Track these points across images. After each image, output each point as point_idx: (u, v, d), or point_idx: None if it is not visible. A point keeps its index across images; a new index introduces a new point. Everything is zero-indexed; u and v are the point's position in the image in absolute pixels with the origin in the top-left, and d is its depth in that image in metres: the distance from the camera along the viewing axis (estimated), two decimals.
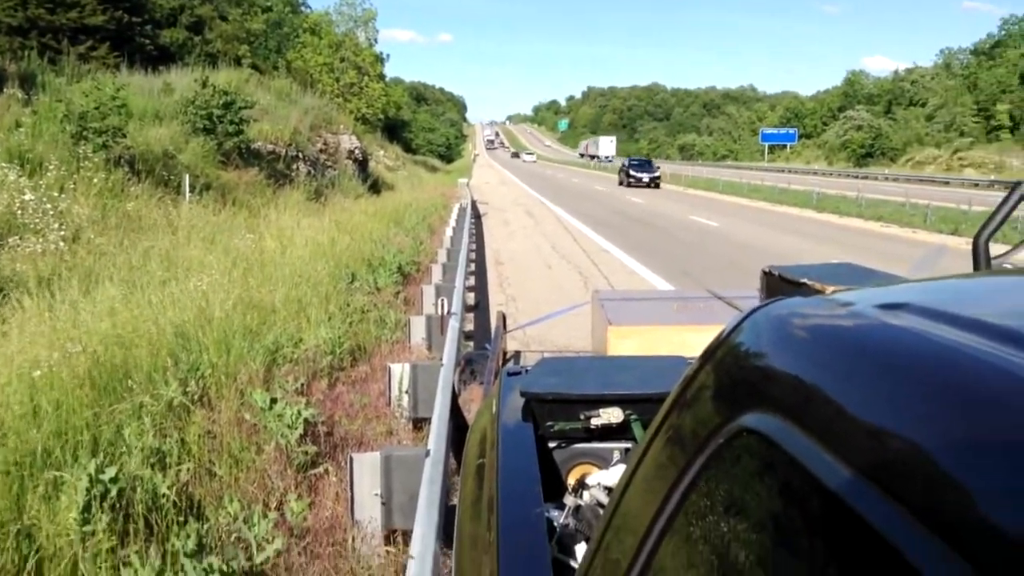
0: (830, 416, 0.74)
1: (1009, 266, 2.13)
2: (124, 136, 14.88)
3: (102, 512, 3.65)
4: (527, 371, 3.28)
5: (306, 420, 4.87)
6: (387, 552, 3.89)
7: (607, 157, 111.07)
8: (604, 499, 2.16)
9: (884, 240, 20.74)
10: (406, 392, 5.67)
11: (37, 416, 4.28)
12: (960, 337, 0.70)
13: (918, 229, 23.12)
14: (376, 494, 4.03)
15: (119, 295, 6.69)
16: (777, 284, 3.18)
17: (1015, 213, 2.12)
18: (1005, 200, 2.10)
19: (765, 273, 3.30)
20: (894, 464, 0.63)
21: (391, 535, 4.00)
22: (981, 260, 2.10)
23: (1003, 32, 79.12)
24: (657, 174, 49.19)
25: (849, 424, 0.71)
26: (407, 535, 3.96)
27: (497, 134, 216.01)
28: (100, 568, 3.44)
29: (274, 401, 5.02)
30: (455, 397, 5.17)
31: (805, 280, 3.00)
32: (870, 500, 0.61)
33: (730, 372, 1.03)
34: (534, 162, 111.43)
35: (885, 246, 19.23)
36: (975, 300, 0.91)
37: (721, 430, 0.91)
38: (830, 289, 2.91)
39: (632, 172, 49.14)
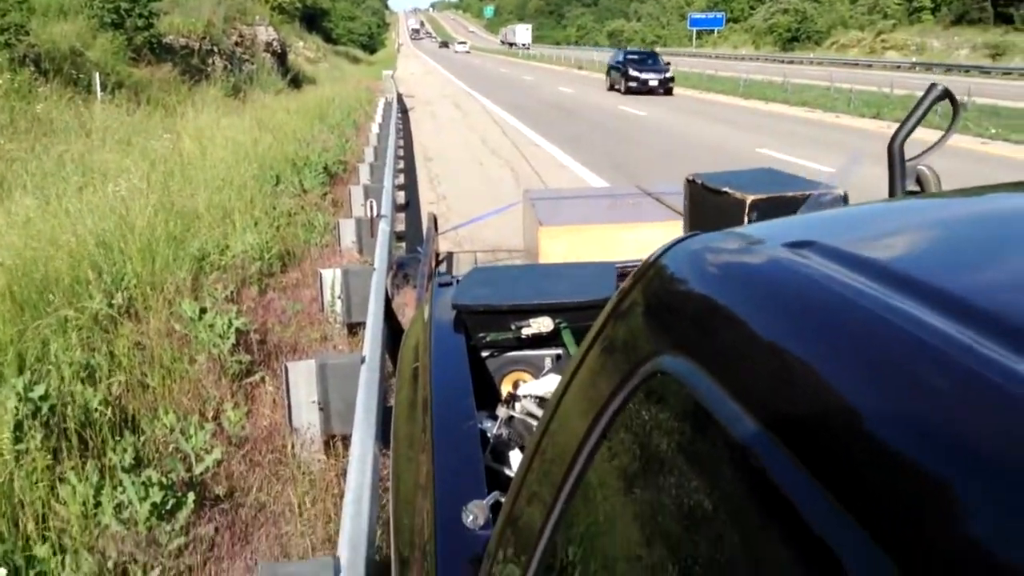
0: (734, 362, 0.75)
1: (923, 168, 2.18)
2: (27, 33, 14.08)
3: (34, 431, 3.62)
4: (458, 281, 3.31)
5: (238, 329, 4.84)
6: (327, 458, 3.95)
7: (524, 44, 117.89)
8: (535, 409, 2.21)
9: (809, 126, 20.99)
10: (339, 297, 5.65)
11: None
12: (861, 283, 0.71)
13: (841, 114, 23.43)
14: (313, 401, 4.06)
15: (34, 205, 6.46)
16: (700, 192, 3.22)
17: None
18: (919, 103, 2.14)
19: (688, 181, 3.33)
20: (791, 417, 0.65)
21: (330, 440, 4.05)
22: (896, 164, 2.14)
23: None
24: (670, 74, 33.52)
25: (751, 372, 0.72)
26: (346, 439, 4.02)
27: (422, 23, 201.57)
28: (37, 486, 3.44)
29: (204, 311, 4.97)
30: (388, 301, 5.18)
31: (726, 189, 3.04)
32: (770, 452, 0.63)
33: (649, 308, 1.03)
34: (467, 52, 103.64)
35: (810, 131, 19.49)
36: (881, 238, 0.92)
37: (637, 370, 0.92)
38: (750, 198, 2.95)
39: (633, 72, 32.96)
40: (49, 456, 3.56)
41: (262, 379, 4.69)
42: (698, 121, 22.13)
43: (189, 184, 8.00)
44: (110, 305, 5.00)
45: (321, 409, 4.07)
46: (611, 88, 34.88)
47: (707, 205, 3.12)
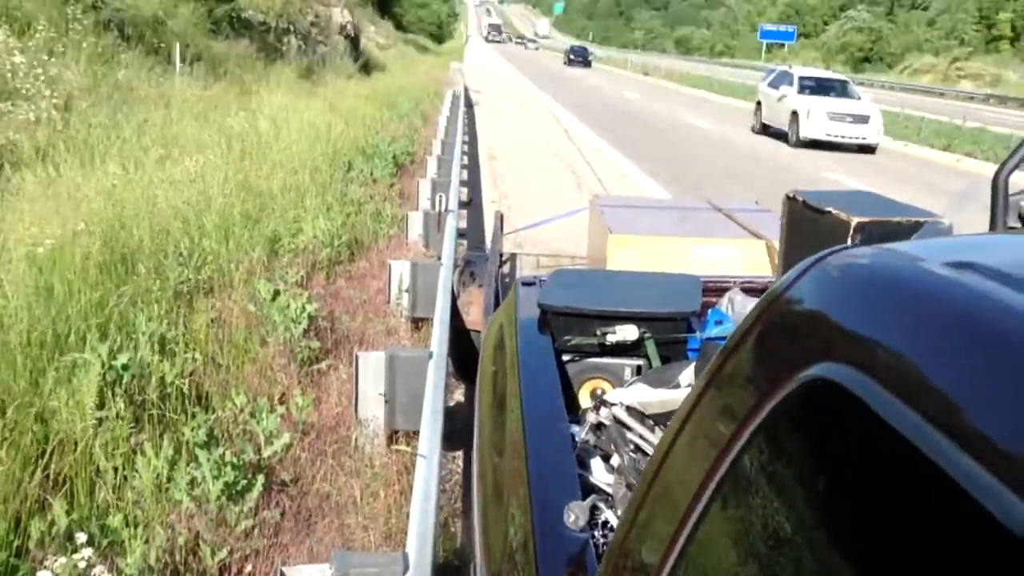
0: (909, 375, 0.79)
1: None
2: None
3: (115, 398, 3.74)
4: (541, 282, 3.35)
5: (309, 315, 4.93)
6: (389, 452, 4.02)
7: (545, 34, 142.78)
8: (626, 418, 2.23)
9: (876, 153, 20.66)
10: (405, 291, 5.73)
11: (49, 297, 4.32)
12: None
13: (909, 143, 23.01)
14: (380, 393, 4.13)
15: (118, 172, 6.63)
16: (801, 210, 3.20)
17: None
18: None
19: (788, 198, 3.32)
20: (973, 425, 0.68)
21: (393, 435, 4.12)
22: (1000, 196, 2.15)
23: None
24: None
25: (929, 385, 0.76)
26: (408, 435, 4.09)
27: (500, 26, 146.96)
28: (114, 455, 3.55)
29: (277, 293, 5.08)
30: (454, 299, 5.24)
31: (830, 209, 3.02)
32: (951, 457, 0.67)
33: (800, 321, 1.05)
34: (536, 49, 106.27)
35: (876, 159, 19.18)
36: None
37: (789, 379, 0.94)
38: (855, 220, 2.94)
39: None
40: (129, 425, 3.67)
41: (330, 367, 4.78)
42: (762, 138, 21.88)
43: (265, 163, 8.15)
44: (188, 280, 5.13)
45: (387, 402, 4.14)
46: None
47: (806, 224, 3.12)
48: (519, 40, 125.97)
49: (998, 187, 2.13)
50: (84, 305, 4.40)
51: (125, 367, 3.93)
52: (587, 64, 65.09)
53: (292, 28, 23.23)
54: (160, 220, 5.77)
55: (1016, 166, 2.12)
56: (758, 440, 0.99)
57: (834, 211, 3.02)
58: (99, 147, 7.97)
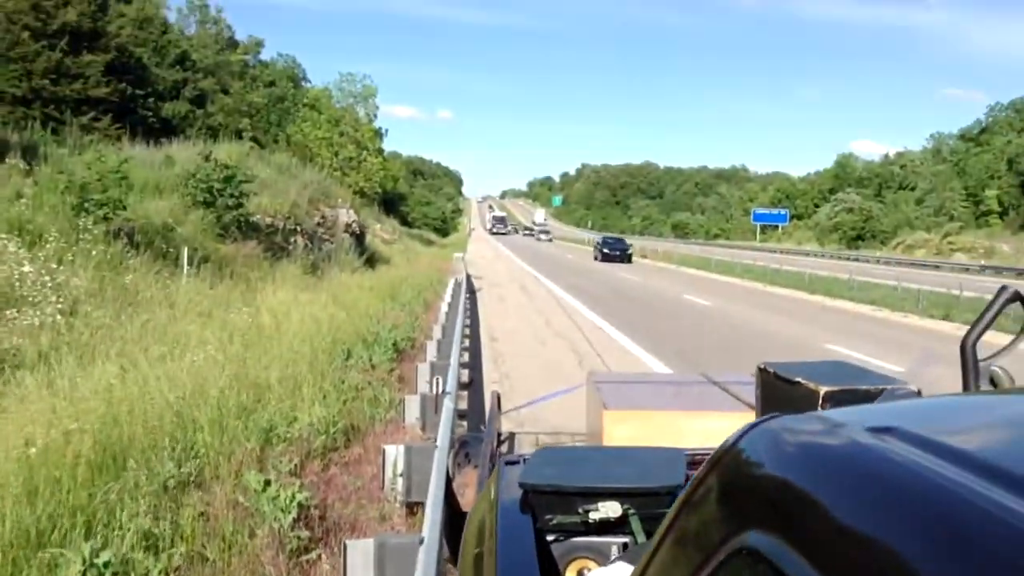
0: (822, 541, 0.79)
1: (997, 368, 2.19)
2: (124, 208, 15.01)
3: None
4: (524, 460, 3.32)
5: (300, 504, 4.85)
6: None
7: (541, 223, 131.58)
8: None
9: (877, 324, 20.84)
10: (400, 475, 5.65)
11: (35, 496, 4.27)
12: (943, 468, 0.76)
13: (909, 314, 23.22)
14: None
15: (116, 371, 6.71)
16: (772, 381, 3.23)
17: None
18: (991, 304, 2.17)
19: (760, 370, 3.36)
20: None
21: None
22: (969, 362, 2.15)
23: (989, 119, 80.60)
24: None
25: (837, 550, 0.76)
26: None
27: (504, 218, 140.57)
28: None
29: (268, 483, 5.01)
30: (449, 481, 5.16)
31: (799, 379, 3.05)
32: None
33: (731, 488, 1.07)
34: (550, 240, 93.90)
35: (878, 330, 19.33)
36: (960, 426, 0.97)
37: (723, 546, 0.95)
38: (823, 389, 2.96)
39: None
40: None
41: (319, 557, 4.65)
42: (762, 313, 22.16)
43: (264, 355, 8.25)
44: (179, 473, 5.08)
45: None
46: None
47: (779, 395, 3.14)
48: (527, 231, 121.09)
49: (967, 353, 2.14)
50: (72, 503, 4.35)
51: (107, 564, 3.83)
52: (627, 259, 51.51)
53: (299, 228, 24.11)
54: (154, 415, 5.78)
55: (983, 332, 2.15)
56: None
57: (803, 381, 3.06)
58: (100, 348, 8.10)
